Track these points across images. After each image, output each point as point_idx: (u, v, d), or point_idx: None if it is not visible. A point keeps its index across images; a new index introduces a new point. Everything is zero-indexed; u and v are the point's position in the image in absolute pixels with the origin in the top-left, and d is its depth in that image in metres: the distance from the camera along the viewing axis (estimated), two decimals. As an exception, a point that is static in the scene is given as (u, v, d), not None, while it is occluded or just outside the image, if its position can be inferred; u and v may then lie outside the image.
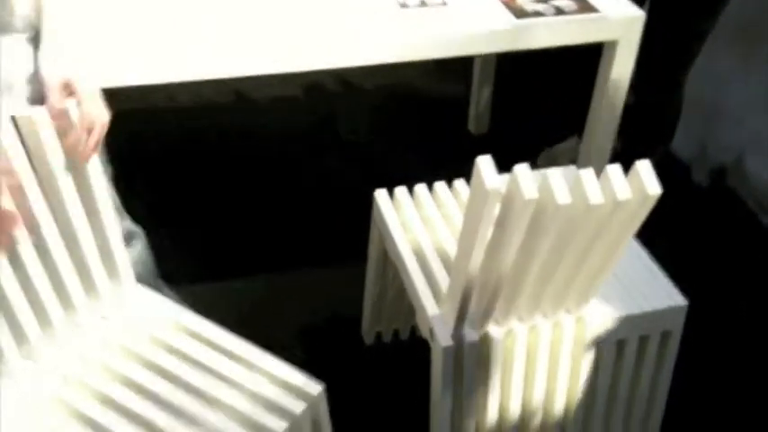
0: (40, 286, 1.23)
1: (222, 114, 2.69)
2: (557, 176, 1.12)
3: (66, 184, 1.24)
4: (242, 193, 2.37)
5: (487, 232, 1.22)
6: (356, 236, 1.86)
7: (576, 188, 1.14)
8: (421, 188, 1.69)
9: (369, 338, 1.90)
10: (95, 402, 1.22)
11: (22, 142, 1.19)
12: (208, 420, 1.18)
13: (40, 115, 1.18)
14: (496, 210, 1.18)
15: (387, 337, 1.91)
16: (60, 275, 1.26)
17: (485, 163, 1.15)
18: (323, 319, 1.96)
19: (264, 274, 2.09)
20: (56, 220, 1.24)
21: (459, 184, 1.70)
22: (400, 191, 1.68)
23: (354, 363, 1.84)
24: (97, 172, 1.27)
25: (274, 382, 1.25)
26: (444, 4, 1.82)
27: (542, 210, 1.15)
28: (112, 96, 1.29)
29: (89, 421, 1.19)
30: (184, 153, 2.52)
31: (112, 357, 1.28)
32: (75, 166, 1.25)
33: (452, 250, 1.54)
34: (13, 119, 1.18)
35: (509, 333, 1.38)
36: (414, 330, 1.90)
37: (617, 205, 1.15)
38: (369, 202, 1.71)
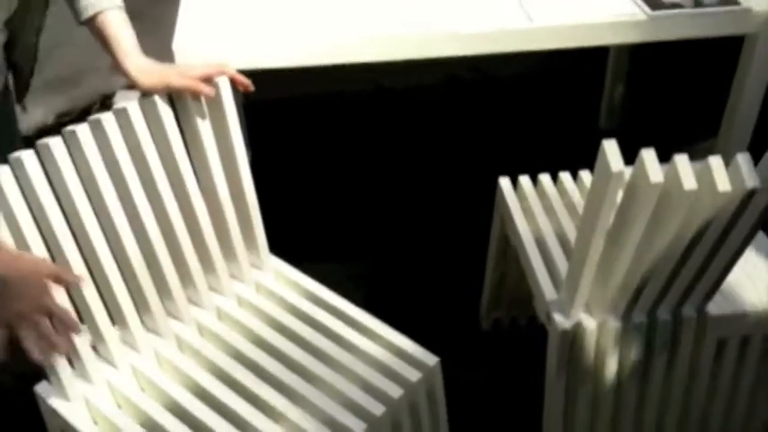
0: (186, 248, 1.34)
1: (357, 102, 2.78)
2: (684, 162, 1.12)
3: (213, 154, 1.35)
4: (369, 175, 2.45)
5: (609, 217, 1.22)
6: (480, 221, 1.89)
7: (704, 175, 1.13)
8: (545, 177, 1.71)
9: (486, 323, 1.93)
10: (226, 355, 1.32)
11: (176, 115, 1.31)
12: (328, 381, 1.25)
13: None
14: (620, 195, 1.19)
15: (504, 323, 1.93)
16: (204, 239, 1.37)
17: (610, 146, 1.16)
18: (442, 301, 2.01)
19: (387, 254, 2.16)
20: (202, 186, 1.35)
21: (585, 174, 1.70)
22: (524, 179, 1.70)
23: (471, 346, 1.88)
24: (242, 147, 1.37)
25: (392, 351, 1.31)
26: (579, -6, 1.82)
27: (668, 196, 1.15)
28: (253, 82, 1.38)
29: (219, 371, 1.29)
30: (319, 139, 2.63)
31: (244, 317, 1.38)
32: (224, 143, 1.35)
33: (574, 238, 1.55)
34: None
35: (628, 323, 1.37)
36: (532, 319, 1.91)
37: (745, 194, 1.13)
38: (493, 189, 1.74)
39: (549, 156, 2.45)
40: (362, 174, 2.46)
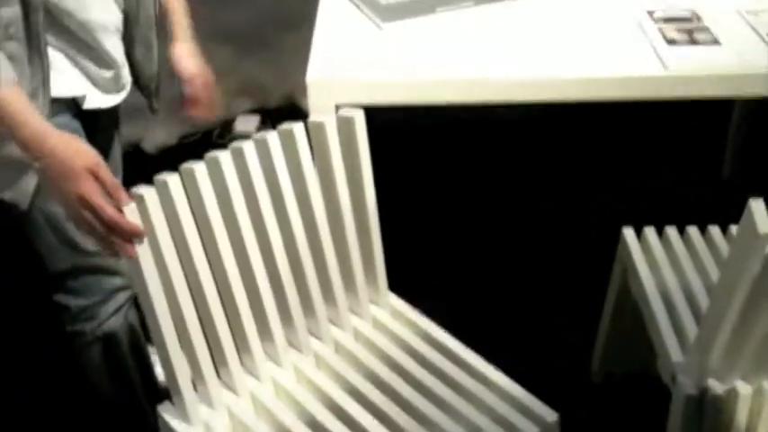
0: (311, 278, 1.36)
1: (462, 139, 2.76)
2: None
3: (343, 188, 1.36)
4: (483, 220, 2.42)
5: (749, 281, 1.17)
6: (596, 272, 1.85)
7: None
8: (671, 230, 1.65)
9: (598, 377, 1.87)
10: (341, 389, 1.32)
11: (311, 148, 1.33)
12: (445, 428, 1.23)
13: (328, 123, 1.31)
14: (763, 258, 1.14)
15: (617, 378, 1.87)
16: (328, 270, 1.38)
17: (757, 206, 1.11)
18: (552, 352, 1.96)
19: (499, 303, 2.12)
20: (330, 221, 1.37)
21: (714, 230, 1.63)
22: (650, 231, 1.66)
23: (581, 400, 1.82)
24: (371, 183, 1.38)
25: (510, 403, 1.28)
26: (717, 42, 1.76)
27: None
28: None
29: (333, 404, 1.29)
30: (418, 177, 2.62)
31: (362, 352, 1.38)
32: (353, 176, 1.37)
33: (702, 297, 1.49)
34: (305, 124, 1.32)
35: (758, 392, 1.31)
36: (645, 374, 1.84)
37: None
38: (612, 240, 1.69)
39: (670, 206, 2.38)
40: (477, 220, 2.42)
